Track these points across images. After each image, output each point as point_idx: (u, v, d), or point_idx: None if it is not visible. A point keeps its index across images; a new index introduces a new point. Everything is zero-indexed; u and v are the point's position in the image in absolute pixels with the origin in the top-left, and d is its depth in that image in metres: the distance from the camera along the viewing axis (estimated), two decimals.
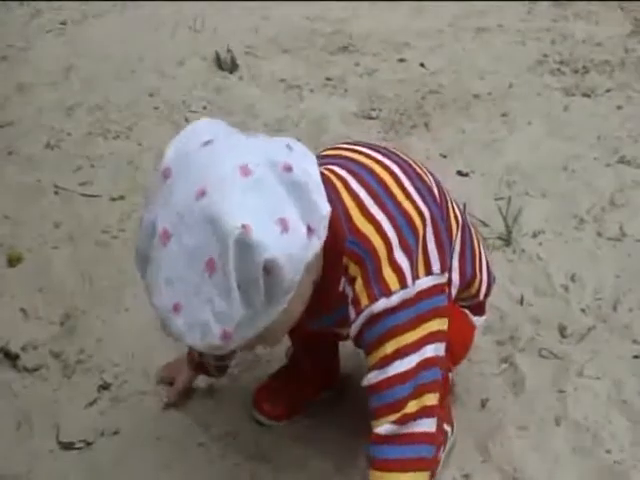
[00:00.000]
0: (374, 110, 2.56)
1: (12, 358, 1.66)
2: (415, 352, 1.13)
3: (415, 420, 1.13)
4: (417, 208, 1.15)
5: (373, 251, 1.12)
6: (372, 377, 1.15)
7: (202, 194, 0.96)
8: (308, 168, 1.04)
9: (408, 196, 1.16)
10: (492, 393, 1.53)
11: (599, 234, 1.96)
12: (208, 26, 3.24)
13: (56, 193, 2.21)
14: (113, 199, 2.18)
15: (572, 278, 1.81)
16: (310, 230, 1.01)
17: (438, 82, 2.74)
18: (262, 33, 3.11)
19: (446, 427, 1.38)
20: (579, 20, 3.21)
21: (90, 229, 2.06)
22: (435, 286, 1.15)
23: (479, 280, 1.37)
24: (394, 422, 1.12)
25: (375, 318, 1.12)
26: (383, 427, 1.13)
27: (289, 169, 1.00)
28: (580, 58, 2.88)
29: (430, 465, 1.18)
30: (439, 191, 1.24)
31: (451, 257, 1.24)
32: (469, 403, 1.51)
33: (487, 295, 1.41)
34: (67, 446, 1.47)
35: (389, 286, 1.11)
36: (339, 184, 1.14)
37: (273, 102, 2.65)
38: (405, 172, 1.19)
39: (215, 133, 1.03)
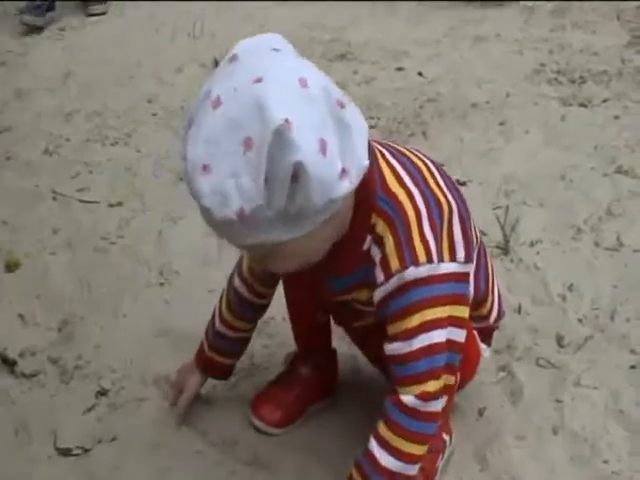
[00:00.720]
0: (372, 118, 2.56)
1: (10, 364, 1.66)
2: (440, 329, 1.15)
3: (436, 399, 1.16)
4: (445, 196, 1.18)
5: (404, 214, 1.14)
6: (396, 348, 1.16)
7: (259, 80, 1.00)
8: (358, 118, 1.08)
9: (438, 185, 1.19)
10: (490, 402, 1.53)
11: (596, 244, 1.96)
12: (207, 32, 3.24)
13: (54, 199, 2.21)
14: (111, 205, 2.18)
15: (569, 288, 1.82)
16: (344, 171, 1.03)
17: (436, 91, 2.74)
18: None
19: (444, 436, 1.38)
20: (576, 30, 3.22)
21: (88, 235, 2.06)
22: (459, 273, 1.17)
23: (491, 301, 1.38)
24: (417, 396, 1.15)
25: (404, 287, 1.13)
26: (408, 397, 1.15)
27: (342, 106, 1.05)
28: (577, 68, 2.89)
29: (430, 441, 1.22)
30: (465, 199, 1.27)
31: None
32: (467, 412, 1.51)
33: (496, 324, 1.43)
34: (65, 452, 1.47)
35: (418, 256, 1.13)
36: (377, 153, 1.18)
37: None
38: (437, 168, 1.23)
39: (285, 46, 1.08)
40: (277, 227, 1.03)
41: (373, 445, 1.18)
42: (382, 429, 1.18)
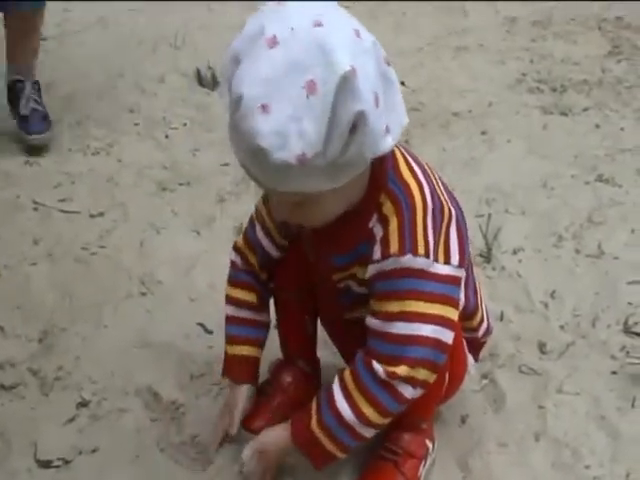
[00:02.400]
0: None
1: None
2: (422, 323, 1.14)
3: (403, 383, 1.15)
4: (447, 203, 1.19)
5: (412, 201, 1.15)
6: (376, 324, 1.17)
7: (319, 24, 0.99)
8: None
9: (441, 190, 1.20)
10: (472, 409, 1.53)
11: (578, 251, 1.97)
12: (189, 42, 3.24)
13: (35, 209, 2.20)
14: (92, 216, 2.17)
15: (551, 295, 1.83)
16: (388, 129, 1.04)
17: (418, 100, 2.76)
18: None
19: (427, 443, 1.38)
20: (558, 40, 3.26)
21: (69, 246, 2.04)
22: (452, 276, 1.17)
23: (480, 315, 1.39)
24: (385, 372, 1.15)
25: (397, 272, 1.14)
26: (378, 366, 1.15)
27: (388, 63, 1.05)
28: (558, 77, 2.92)
29: (388, 416, 1.20)
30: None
31: None
32: (449, 419, 1.51)
33: (484, 338, 1.44)
34: (45, 464, 1.45)
35: (418, 246, 1.13)
36: None
37: None
38: (440, 178, 1.25)
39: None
40: (322, 177, 1.03)
41: (335, 384, 1.20)
42: (347, 376, 1.19)
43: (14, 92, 2.52)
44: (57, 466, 1.45)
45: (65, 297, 1.86)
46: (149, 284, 1.90)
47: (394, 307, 1.15)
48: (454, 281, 1.18)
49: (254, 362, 1.46)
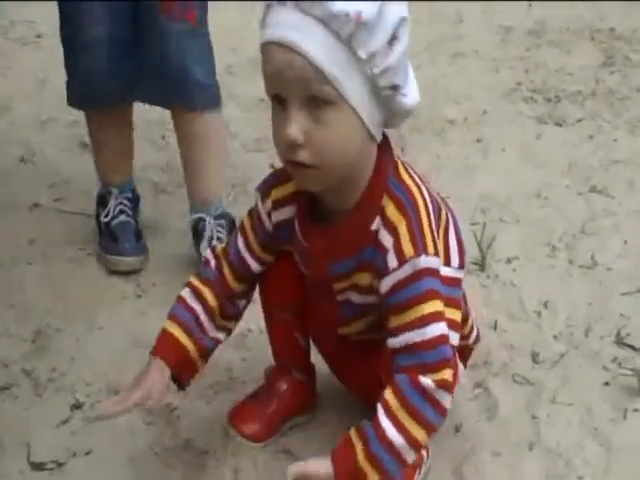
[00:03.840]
0: None
1: None
2: (444, 322, 1.15)
3: (446, 391, 1.14)
4: (443, 205, 1.22)
5: (414, 202, 1.16)
6: (407, 339, 1.14)
7: None
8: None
9: (436, 195, 1.23)
10: (466, 418, 1.54)
11: (571, 262, 1.99)
12: None
13: (30, 209, 2.19)
14: (88, 216, 2.16)
15: (545, 304, 1.84)
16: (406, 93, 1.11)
17: None
18: (241, 52, 3.11)
19: (422, 451, 1.39)
20: (552, 50, 3.28)
21: (65, 246, 2.04)
22: (452, 278, 1.18)
23: (471, 323, 1.41)
24: (435, 382, 1.13)
25: (416, 275, 1.13)
26: (426, 380, 1.13)
27: None
28: (552, 87, 2.94)
29: (432, 433, 1.18)
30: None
31: None
32: (443, 428, 1.51)
33: (473, 345, 1.45)
34: (38, 467, 1.44)
35: (428, 246, 1.14)
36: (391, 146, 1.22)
37: (251, 122, 2.65)
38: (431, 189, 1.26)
39: None
40: (356, 78, 1.06)
41: (380, 412, 1.14)
42: (392, 401, 1.14)
43: (196, 231, 1.95)
44: (50, 468, 1.44)
45: (59, 297, 1.86)
46: (144, 286, 1.90)
47: (426, 309, 1.13)
48: (455, 282, 1.20)
49: (186, 354, 1.32)
